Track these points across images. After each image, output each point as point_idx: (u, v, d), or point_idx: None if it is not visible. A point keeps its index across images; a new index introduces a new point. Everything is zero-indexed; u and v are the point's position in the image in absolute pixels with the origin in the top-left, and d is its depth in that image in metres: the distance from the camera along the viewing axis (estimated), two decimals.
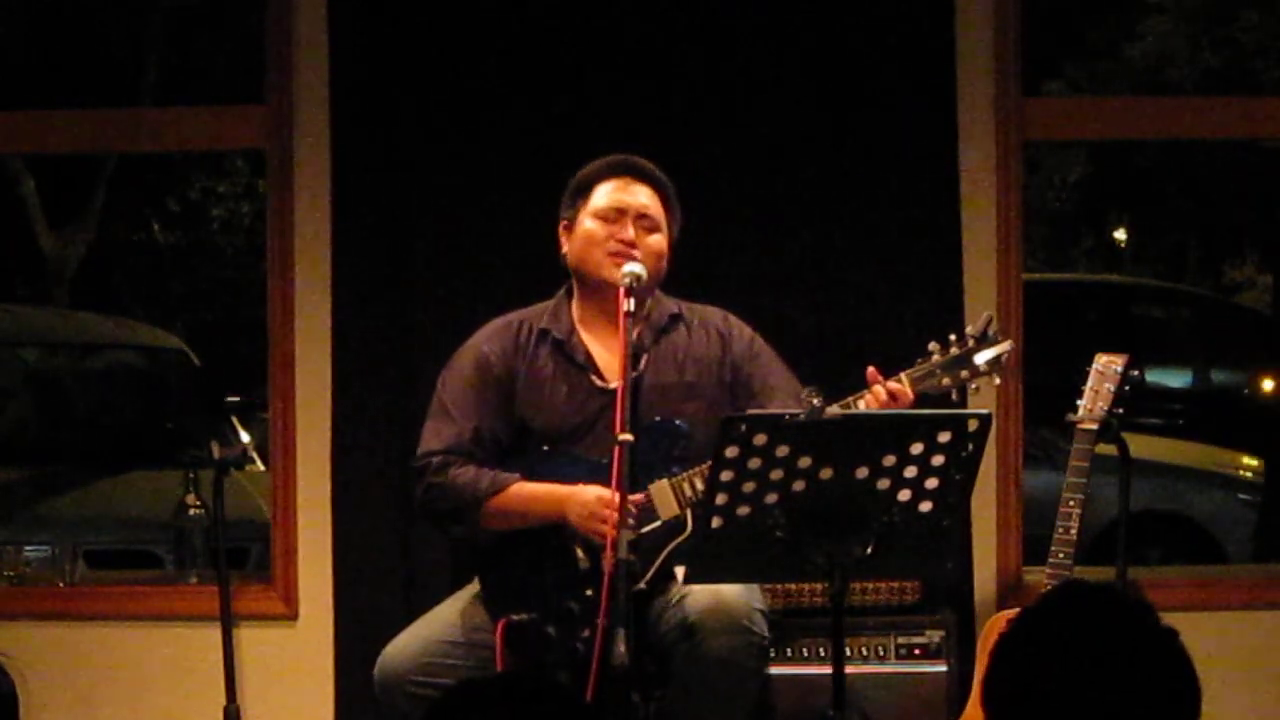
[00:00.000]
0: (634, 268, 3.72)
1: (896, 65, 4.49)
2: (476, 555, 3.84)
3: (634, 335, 3.77)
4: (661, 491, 3.66)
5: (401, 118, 4.53)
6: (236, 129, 4.78)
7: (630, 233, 3.79)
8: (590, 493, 3.63)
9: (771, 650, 3.75)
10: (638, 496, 3.61)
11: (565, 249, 3.89)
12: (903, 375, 3.63)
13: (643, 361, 3.81)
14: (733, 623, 3.56)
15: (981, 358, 3.64)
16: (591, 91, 4.51)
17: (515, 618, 3.67)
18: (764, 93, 4.51)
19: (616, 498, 3.42)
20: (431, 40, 4.52)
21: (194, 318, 14.02)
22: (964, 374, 3.63)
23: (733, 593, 3.60)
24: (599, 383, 3.80)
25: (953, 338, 3.66)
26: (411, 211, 4.54)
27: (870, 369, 3.62)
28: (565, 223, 3.90)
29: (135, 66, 11.98)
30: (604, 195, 3.85)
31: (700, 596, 3.58)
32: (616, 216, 3.81)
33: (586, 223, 3.84)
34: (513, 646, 3.66)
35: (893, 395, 3.60)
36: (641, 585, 3.59)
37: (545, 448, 3.80)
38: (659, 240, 3.84)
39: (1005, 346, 3.66)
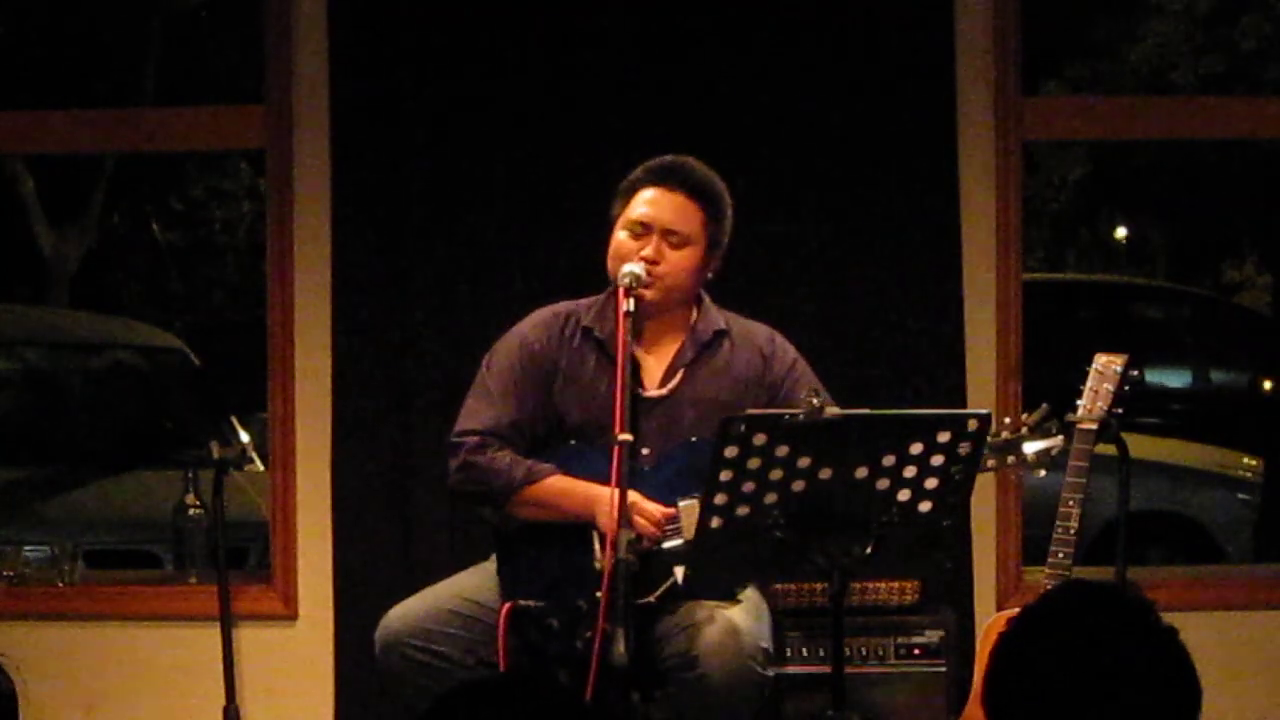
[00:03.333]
0: (632, 268, 3.69)
1: (896, 65, 4.49)
2: (496, 536, 3.84)
3: (676, 347, 3.79)
4: (690, 511, 3.60)
5: (401, 118, 4.53)
6: (236, 129, 4.78)
7: (651, 250, 3.73)
8: None
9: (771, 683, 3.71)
10: (670, 511, 3.61)
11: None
12: None
13: (679, 376, 3.80)
14: (738, 661, 3.53)
15: (1031, 448, 3.63)
16: (592, 92, 4.51)
17: (522, 603, 3.67)
18: (763, 93, 4.51)
19: (645, 505, 3.45)
20: (431, 40, 4.53)
21: (194, 318, 14.02)
22: (1010, 459, 3.64)
23: (741, 628, 3.56)
24: (640, 390, 3.74)
25: (1006, 420, 3.65)
26: (411, 211, 4.55)
27: None
28: (611, 224, 3.83)
29: (135, 66, 11.98)
30: (637, 205, 3.78)
31: (709, 630, 3.54)
32: (642, 231, 3.75)
33: (619, 233, 3.79)
34: (515, 631, 3.67)
35: None
36: (651, 599, 3.57)
37: (573, 441, 3.79)
38: (686, 255, 3.77)
39: (1057, 441, 3.65)
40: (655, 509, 3.57)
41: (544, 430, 3.83)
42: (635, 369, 3.78)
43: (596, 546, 3.67)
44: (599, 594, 3.54)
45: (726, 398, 3.79)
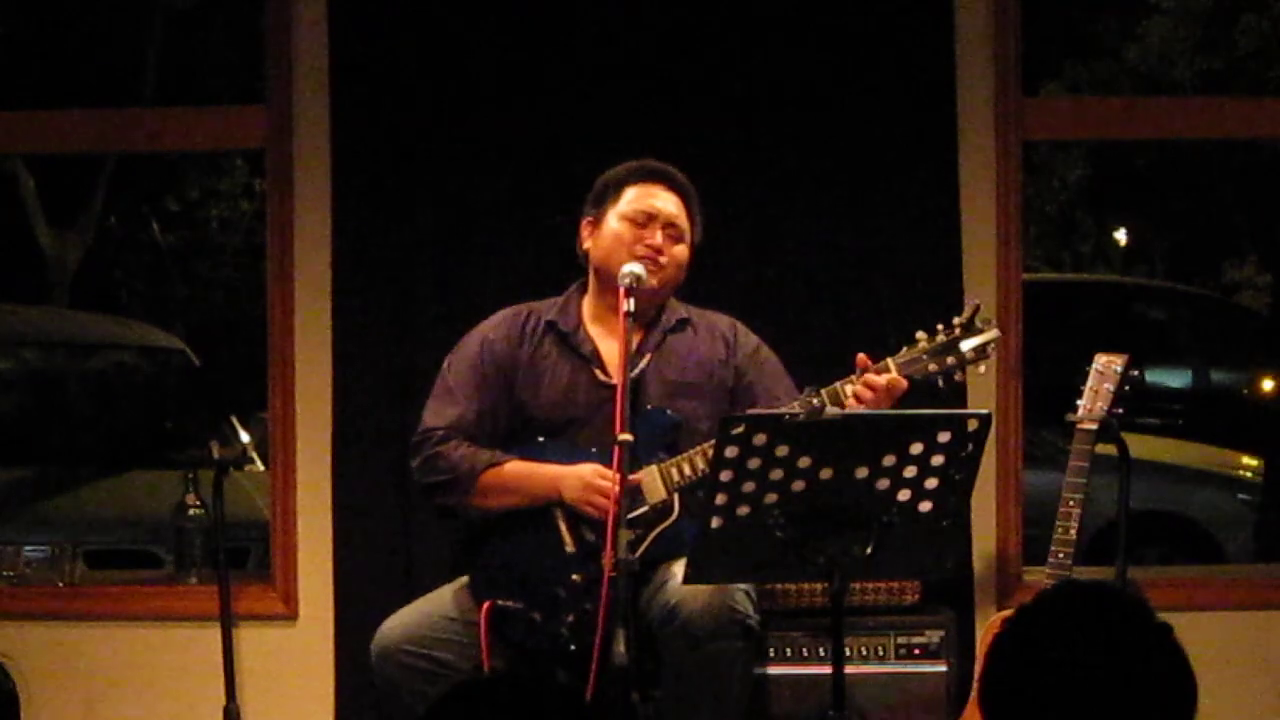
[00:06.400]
0: (633, 268, 3.74)
1: (896, 65, 4.49)
2: (467, 542, 3.88)
3: (640, 336, 3.85)
4: (650, 477, 3.71)
5: (401, 117, 4.53)
6: (236, 129, 4.78)
7: (658, 239, 3.83)
8: (586, 468, 3.71)
9: (762, 634, 3.75)
10: (636, 476, 3.65)
11: (587, 244, 3.91)
12: (889, 361, 3.68)
13: (645, 359, 3.86)
14: (714, 603, 3.58)
15: (967, 344, 3.68)
16: (591, 92, 4.51)
17: (501, 602, 3.71)
18: (764, 93, 4.51)
19: (615, 487, 3.46)
20: (432, 40, 4.52)
21: (194, 318, 14.03)
22: (950, 360, 3.68)
23: None
24: (601, 376, 3.84)
25: (940, 326, 3.70)
26: (411, 212, 4.55)
27: (860, 356, 3.67)
28: (590, 219, 3.91)
29: (135, 66, 11.98)
30: (633, 199, 3.87)
31: (681, 578, 3.58)
32: (646, 221, 3.84)
33: (614, 223, 3.86)
34: (496, 630, 3.71)
35: (874, 387, 3.63)
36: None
37: (541, 439, 3.85)
38: (683, 250, 3.88)
39: (992, 334, 3.69)
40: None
41: (506, 426, 3.90)
42: (599, 359, 3.87)
43: (564, 531, 3.75)
44: (575, 578, 3.66)
45: (692, 378, 3.89)
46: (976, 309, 3.71)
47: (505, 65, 4.53)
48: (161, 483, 6.22)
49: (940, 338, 3.68)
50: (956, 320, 3.70)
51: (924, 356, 3.67)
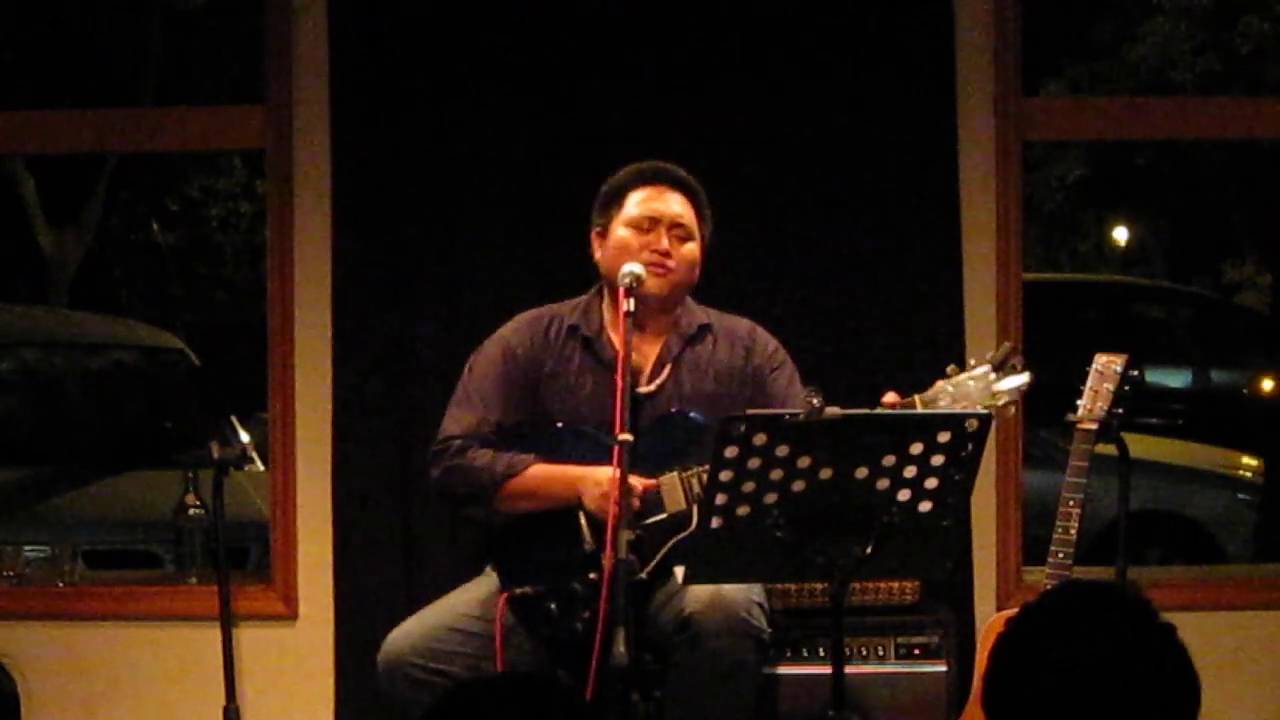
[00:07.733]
0: (632, 268, 3.73)
1: (896, 65, 4.49)
2: (487, 536, 3.88)
3: (661, 344, 3.84)
4: (671, 484, 3.69)
5: (401, 117, 4.53)
6: (236, 129, 4.78)
7: (665, 242, 3.81)
8: (604, 473, 3.64)
9: (771, 646, 3.76)
10: (650, 482, 3.65)
11: (598, 256, 3.90)
12: (916, 398, 3.61)
13: (666, 370, 3.86)
14: (730, 615, 3.58)
15: (1000, 387, 3.61)
16: (592, 93, 4.51)
17: (519, 590, 3.71)
18: (764, 93, 4.51)
19: (621, 493, 3.44)
20: (432, 40, 4.53)
21: (194, 318, 14.03)
22: (980, 402, 3.60)
23: (732, 586, 3.61)
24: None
25: (971, 362, 3.63)
26: (411, 211, 4.55)
27: (889, 395, 3.61)
28: (598, 229, 3.91)
29: (135, 66, 11.98)
30: (637, 204, 3.86)
31: (699, 590, 3.59)
32: (650, 225, 3.83)
33: (620, 231, 3.85)
34: (515, 615, 3.71)
35: None
36: (642, 575, 3.60)
37: (559, 424, 3.83)
38: (692, 249, 3.86)
39: (1024, 379, 3.61)
40: (635, 481, 3.56)
41: (530, 431, 3.87)
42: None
43: (584, 528, 3.73)
44: (592, 575, 3.63)
45: (712, 390, 3.86)
46: (1011, 350, 3.62)
47: (505, 65, 4.53)
48: (161, 483, 6.22)
49: (969, 380, 3.59)
50: (989, 357, 3.61)
51: (949, 400, 3.57)
